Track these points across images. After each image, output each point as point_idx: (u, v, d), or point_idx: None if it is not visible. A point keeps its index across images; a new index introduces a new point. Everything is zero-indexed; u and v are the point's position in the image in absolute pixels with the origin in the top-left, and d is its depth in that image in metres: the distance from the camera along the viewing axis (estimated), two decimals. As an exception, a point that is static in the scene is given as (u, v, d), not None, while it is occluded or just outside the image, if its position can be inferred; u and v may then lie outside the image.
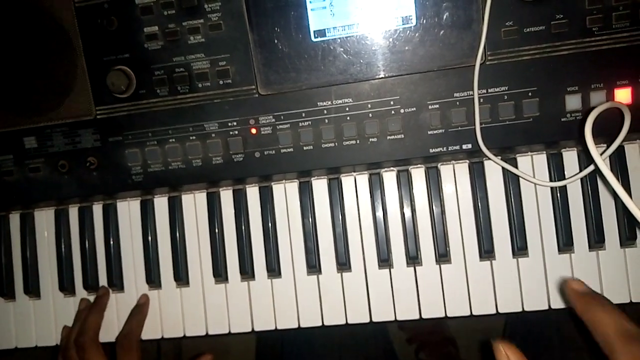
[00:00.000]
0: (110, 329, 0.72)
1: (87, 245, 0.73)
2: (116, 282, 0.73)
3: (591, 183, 0.65)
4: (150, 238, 0.72)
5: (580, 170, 0.65)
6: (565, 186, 0.65)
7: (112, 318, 0.73)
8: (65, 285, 0.74)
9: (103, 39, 0.66)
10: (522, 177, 0.65)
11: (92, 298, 0.74)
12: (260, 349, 1.14)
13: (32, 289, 0.74)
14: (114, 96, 0.67)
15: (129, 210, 0.73)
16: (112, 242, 0.73)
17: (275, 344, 1.05)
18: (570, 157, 0.66)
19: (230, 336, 1.22)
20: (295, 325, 0.70)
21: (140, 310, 0.72)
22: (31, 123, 0.69)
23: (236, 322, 0.71)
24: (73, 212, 0.75)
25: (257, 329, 0.70)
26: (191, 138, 0.67)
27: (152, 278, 0.72)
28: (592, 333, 0.45)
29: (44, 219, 0.75)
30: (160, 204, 0.73)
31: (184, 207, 0.72)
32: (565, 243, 0.65)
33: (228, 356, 1.23)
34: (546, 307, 0.66)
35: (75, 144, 0.69)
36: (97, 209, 0.74)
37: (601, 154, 0.56)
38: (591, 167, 0.62)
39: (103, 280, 0.73)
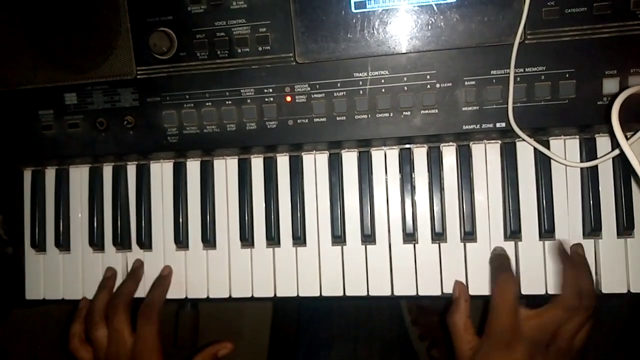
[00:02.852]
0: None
1: (119, 203, 0.75)
2: (145, 241, 0.74)
3: (623, 169, 0.64)
4: (180, 200, 0.74)
5: (614, 158, 0.64)
6: (596, 171, 0.65)
7: (138, 276, 0.75)
8: (95, 241, 0.76)
9: (148, 0, 0.67)
10: (553, 158, 0.65)
11: (120, 255, 0.76)
12: (276, 326, 1.16)
13: (63, 242, 0.76)
14: (154, 57, 0.68)
15: (161, 171, 0.75)
16: (143, 202, 0.75)
17: (291, 323, 1.06)
18: (603, 143, 0.66)
19: (246, 314, 1.23)
20: (317, 294, 0.70)
21: (163, 282, 0.73)
22: (73, 80, 0.71)
23: (259, 287, 0.72)
24: (107, 171, 0.76)
25: (279, 294, 0.71)
26: (227, 102, 0.68)
27: (181, 239, 0.73)
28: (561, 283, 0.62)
29: (79, 176, 0.77)
30: (193, 167, 0.74)
31: (215, 171, 0.74)
32: (593, 228, 0.65)
33: (243, 335, 1.24)
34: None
35: (114, 102, 0.70)
36: (131, 169, 0.76)
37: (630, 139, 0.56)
38: (618, 150, 0.61)
39: (132, 239, 0.75)
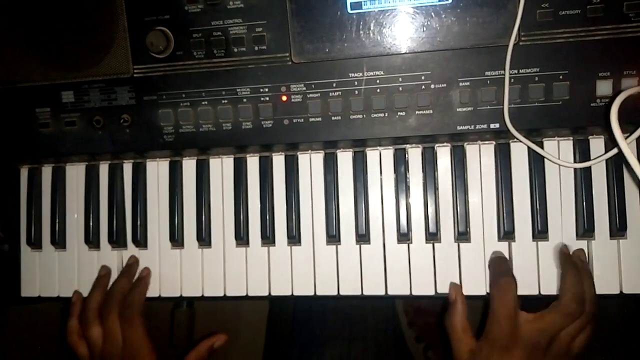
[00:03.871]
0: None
1: (115, 201, 0.75)
2: (140, 239, 0.74)
3: (616, 171, 0.65)
4: (176, 198, 0.74)
5: (607, 159, 0.65)
6: (589, 172, 0.66)
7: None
8: (91, 239, 0.76)
9: (145, -1, 0.68)
10: (547, 158, 0.65)
11: (115, 253, 0.76)
12: (271, 327, 1.16)
13: (59, 240, 0.77)
14: (151, 56, 0.69)
15: (157, 170, 0.75)
16: (139, 201, 0.75)
17: (286, 323, 1.06)
18: (597, 144, 0.66)
19: (242, 313, 1.23)
20: (312, 293, 0.71)
21: (141, 282, 0.73)
22: (70, 78, 0.71)
23: (254, 286, 0.72)
24: (103, 169, 0.77)
25: (274, 293, 0.71)
26: (223, 102, 0.69)
27: (176, 237, 0.73)
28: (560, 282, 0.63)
29: (75, 174, 0.77)
30: (189, 166, 0.74)
31: (211, 170, 0.74)
32: (586, 229, 0.65)
33: (239, 335, 1.24)
34: (561, 292, 0.66)
35: (111, 100, 0.71)
36: (127, 167, 0.76)
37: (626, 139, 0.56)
38: (615, 150, 0.62)
39: (128, 236, 0.75)
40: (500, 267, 0.65)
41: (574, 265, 0.63)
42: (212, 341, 0.75)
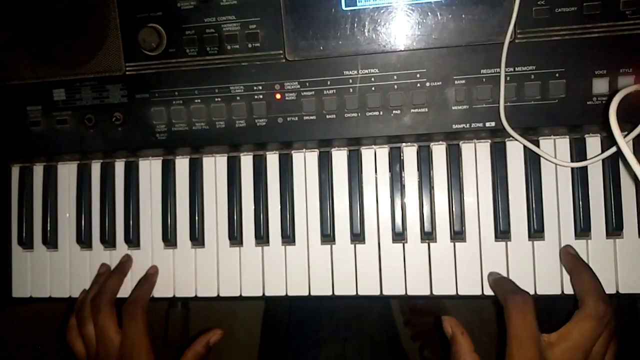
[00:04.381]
0: (123, 285, 0.73)
1: (107, 201, 0.75)
2: (133, 238, 0.74)
3: (613, 170, 0.64)
4: (169, 198, 0.73)
5: (604, 159, 0.64)
6: (586, 172, 0.65)
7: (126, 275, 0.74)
8: (83, 239, 0.75)
9: (137, -4, 0.67)
10: (543, 157, 0.65)
11: (107, 253, 0.75)
12: (266, 327, 1.15)
13: (50, 240, 0.76)
14: (144, 53, 0.68)
15: (150, 169, 0.74)
16: (131, 200, 0.74)
17: (281, 323, 1.06)
18: (593, 143, 0.66)
19: (237, 313, 1.23)
20: (306, 293, 0.70)
21: (148, 280, 0.72)
22: (61, 75, 0.70)
23: (248, 286, 0.71)
24: (95, 168, 0.76)
25: (267, 294, 0.71)
26: (216, 100, 0.68)
27: (169, 237, 0.73)
28: (574, 287, 0.59)
29: (67, 173, 0.76)
30: (182, 165, 0.74)
31: (204, 169, 0.73)
32: (582, 229, 0.65)
33: (234, 335, 1.24)
34: (559, 292, 0.66)
35: (103, 98, 0.70)
36: (119, 166, 0.75)
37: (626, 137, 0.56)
38: (614, 149, 0.61)
39: (120, 236, 0.74)
40: (509, 285, 0.60)
41: (586, 265, 0.60)
42: (208, 337, 0.74)
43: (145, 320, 0.68)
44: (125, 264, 0.74)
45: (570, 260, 0.62)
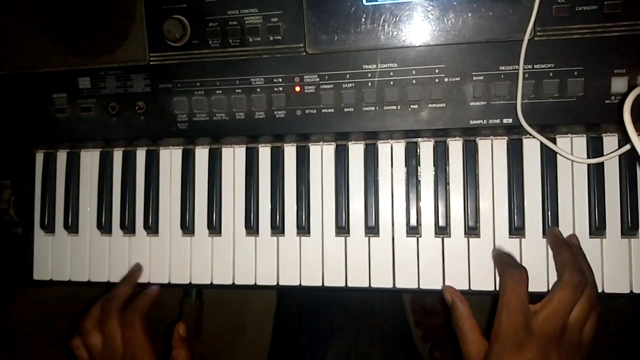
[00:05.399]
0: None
1: (127, 188, 0.76)
2: (152, 225, 0.75)
3: (630, 169, 0.64)
4: (188, 186, 0.75)
5: (620, 157, 0.64)
6: (602, 170, 0.65)
7: (144, 262, 0.76)
8: (103, 224, 0.77)
9: (163, -13, 0.68)
10: (560, 154, 0.65)
11: (127, 239, 0.77)
12: (279, 320, 1.16)
13: (72, 224, 0.78)
14: (167, 44, 0.69)
15: (170, 158, 0.76)
16: (151, 188, 0.76)
17: (294, 315, 1.07)
18: (610, 142, 0.66)
19: (250, 306, 1.24)
20: (319, 284, 0.71)
21: (148, 293, 0.74)
22: (87, 64, 0.72)
23: (262, 275, 0.72)
24: (117, 156, 0.77)
25: (282, 283, 0.72)
26: (237, 91, 0.69)
27: (187, 225, 0.74)
28: (555, 262, 0.64)
29: (90, 160, 0.78)
30: (201, 154, 0.75)
31: (223, 159, 0.74)
32: (597, 227, 0.65)
33: (246, 326, 1.25)
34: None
35: (127, 87, 0.72)
36: (141, 155, 0.77)
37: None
38: (629, 146, 0.61)
39: (139, 223, 0.76)
40: (508, 259, 0.64)
41: (566, 243, 0.63)
42: (177, 333, 0.74)
43: (144, 328, 0.69)
44: (136, 272, 0.75)
45: (553, 238, 0.65)
